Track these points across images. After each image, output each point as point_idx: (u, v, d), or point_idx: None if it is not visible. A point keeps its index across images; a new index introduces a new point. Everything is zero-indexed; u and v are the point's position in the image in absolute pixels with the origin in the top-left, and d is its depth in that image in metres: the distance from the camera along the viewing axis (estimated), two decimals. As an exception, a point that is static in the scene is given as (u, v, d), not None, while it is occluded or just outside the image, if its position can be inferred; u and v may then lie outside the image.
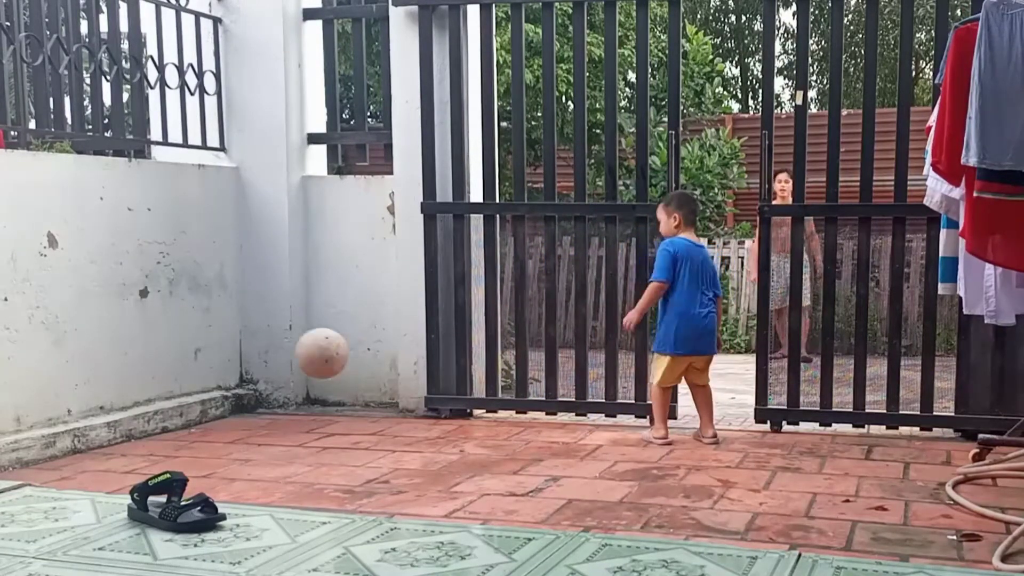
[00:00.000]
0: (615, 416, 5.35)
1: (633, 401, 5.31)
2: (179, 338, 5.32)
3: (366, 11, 5.84)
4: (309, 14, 5.78)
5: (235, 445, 4.75)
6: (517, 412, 5.49)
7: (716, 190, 11.85)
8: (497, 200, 5.51)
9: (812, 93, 19.37)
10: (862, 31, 10.76)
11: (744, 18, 21.97)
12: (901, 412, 4.98)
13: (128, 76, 5.21)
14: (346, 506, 3.65)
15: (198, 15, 5.54)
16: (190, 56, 5.49)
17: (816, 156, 5.03)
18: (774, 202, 6.29)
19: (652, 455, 4.51)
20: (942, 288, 4.35)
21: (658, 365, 4.85)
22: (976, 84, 3.50)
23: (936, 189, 4.01)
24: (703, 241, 6.15)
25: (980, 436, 4.27)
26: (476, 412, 5.54)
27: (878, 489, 3.84)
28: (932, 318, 4.98)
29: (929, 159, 3.94)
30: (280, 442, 4.81)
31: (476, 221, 5.47)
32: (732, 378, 7.78)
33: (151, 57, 5.30)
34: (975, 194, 3.62)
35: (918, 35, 17.27)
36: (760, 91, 17.45)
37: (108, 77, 5.03)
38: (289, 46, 5.67)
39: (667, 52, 5.27)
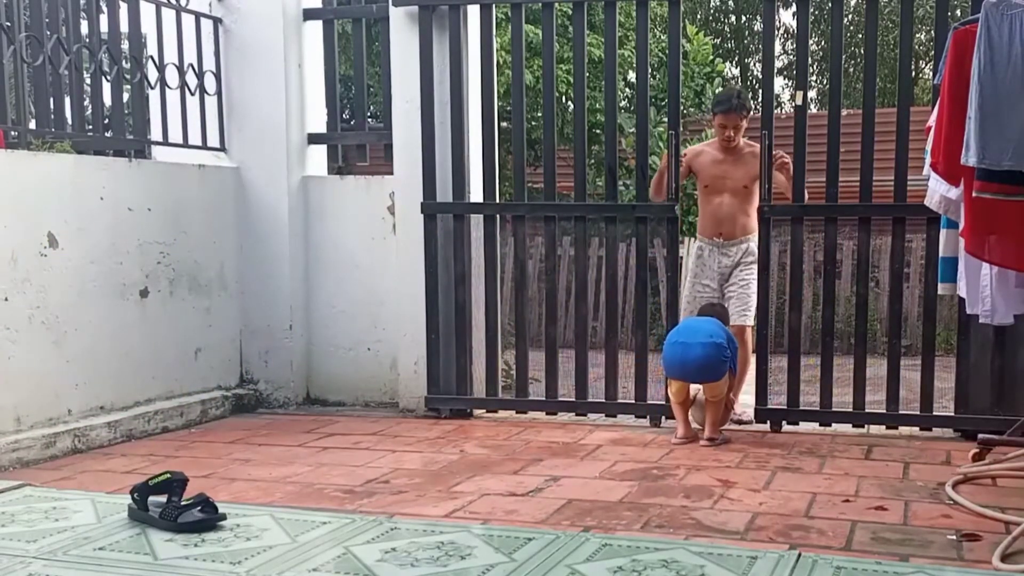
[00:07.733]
0: (615, 416, 5.35)
1: (633, 401, 5.31)
2: (179, 338, 5.32)
3: (366, 11, 5.84)
4: (309, 14, 5.78)
5: (235, 445, 4.76)
6: (517, 412, 5.49)
7: (716, 190, 11.84)
8: (497, 200, 5.51)
9: (812, 93, 19.36)
10: (862, 31, 10.77)
11: (744, 18, 21.96)
12: (901, 412, 4.98)
13: (128, 76, 5.21)
14: (346, 506, 3.66)
15: (198, 15, 5.54)
16: (190, 56, 5.49)
17: (816, 156, 5.04)
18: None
19: (652, 455, 4.51)
20: (942, 288, 4.35)
21: None
22: (975, 84, 3.50)
23: (936, 190, 4.01)
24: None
25: (980, 436, 4.27)
26: (476, 412, 5.54)
27: (878, 489, 3.85)
28: (932, 318, 4.97)
29: (929, 159, 3.95)
30: (280, 442, 4.82)
31: (476, 221, 5.47)
32: (732, 378, 7.77)
33: (151, 57, 5.30)
34: (974, 194, 3.62)
35: (918, 35, 17.27)
36: (760, 91, 17.42)
37: (108, 77, 5.03)
38: (289, 46, 5.67)
39: (667, 52, 5.27)
